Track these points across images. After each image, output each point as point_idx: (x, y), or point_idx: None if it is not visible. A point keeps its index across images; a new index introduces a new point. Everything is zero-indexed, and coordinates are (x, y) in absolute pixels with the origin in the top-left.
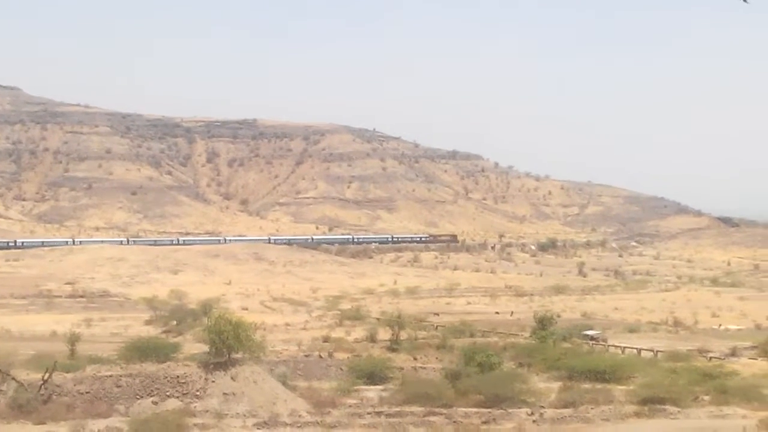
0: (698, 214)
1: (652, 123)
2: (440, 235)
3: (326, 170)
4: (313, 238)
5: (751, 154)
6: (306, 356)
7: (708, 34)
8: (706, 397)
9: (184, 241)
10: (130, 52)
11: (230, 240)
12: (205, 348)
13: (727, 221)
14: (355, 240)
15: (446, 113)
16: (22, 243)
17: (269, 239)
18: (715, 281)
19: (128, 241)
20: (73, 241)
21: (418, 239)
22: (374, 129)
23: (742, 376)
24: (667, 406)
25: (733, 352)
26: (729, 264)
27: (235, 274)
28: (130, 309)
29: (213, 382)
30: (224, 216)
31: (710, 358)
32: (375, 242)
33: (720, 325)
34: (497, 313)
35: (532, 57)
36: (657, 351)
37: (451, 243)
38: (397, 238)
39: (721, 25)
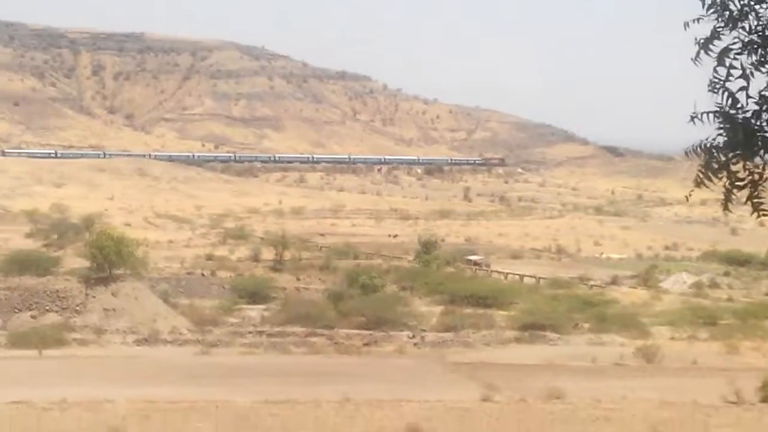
0: (584, 142)
1: (540, 48)
2: (490, 158)
3: (213, 87)
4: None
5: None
6: (188, 274)
7: None
8: (586, 325)
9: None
10: None
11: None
12: (86, 263)
13: (612, 150)
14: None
15: (336, 33)
16: None
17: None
18: (599, 210)
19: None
20: None
21: (473, 162)
22: (263, 47)
23: (622, 305)
24: (547, 333)
25: (614, 281)
26: (613, 193)
27: (119, 189)
28: (10, 221)
29: (93, 297)
30: (109, 130)
31: (591, 286)
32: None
33: (602, 253)
34: (393, 236)
35: None
36: (539, 278)
37: (499, 165)
38: (455, 160)
39: None
